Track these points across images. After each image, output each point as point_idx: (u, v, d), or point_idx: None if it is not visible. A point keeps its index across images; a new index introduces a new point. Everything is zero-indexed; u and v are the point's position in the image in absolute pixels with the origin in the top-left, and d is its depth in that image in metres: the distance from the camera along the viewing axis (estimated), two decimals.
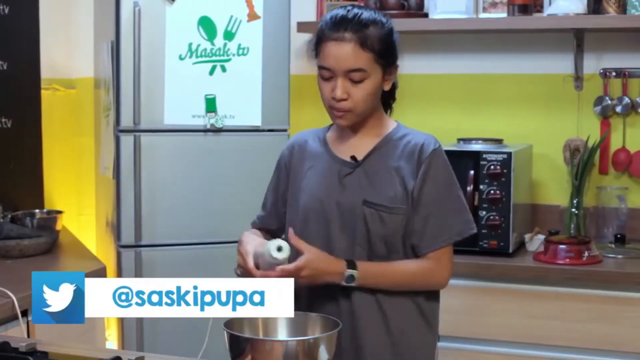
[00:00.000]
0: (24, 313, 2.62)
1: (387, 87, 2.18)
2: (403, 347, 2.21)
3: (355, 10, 2.11)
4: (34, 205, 3.75)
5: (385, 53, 2.11)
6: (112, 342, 3.55)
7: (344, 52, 2.07)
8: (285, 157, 2.33)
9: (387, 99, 2.28)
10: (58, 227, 3.54)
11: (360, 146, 2.21)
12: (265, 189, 2.40)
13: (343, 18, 2.09)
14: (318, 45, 2.13)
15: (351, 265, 2.11)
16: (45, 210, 3.77)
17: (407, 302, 2.21)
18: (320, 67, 2.13)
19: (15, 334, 2.47)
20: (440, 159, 2.17)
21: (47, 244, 3.30)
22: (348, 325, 2.14)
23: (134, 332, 3.35)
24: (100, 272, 3.14)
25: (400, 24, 3.73)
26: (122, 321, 3.37)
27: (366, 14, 2.11)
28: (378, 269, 2.15)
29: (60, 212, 3.65)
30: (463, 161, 3.40)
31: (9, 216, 3.50)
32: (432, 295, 2.26)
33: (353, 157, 2.19)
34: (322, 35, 2.11)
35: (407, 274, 2.17)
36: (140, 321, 3.34)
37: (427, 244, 2.16)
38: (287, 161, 2.32)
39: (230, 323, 1.87)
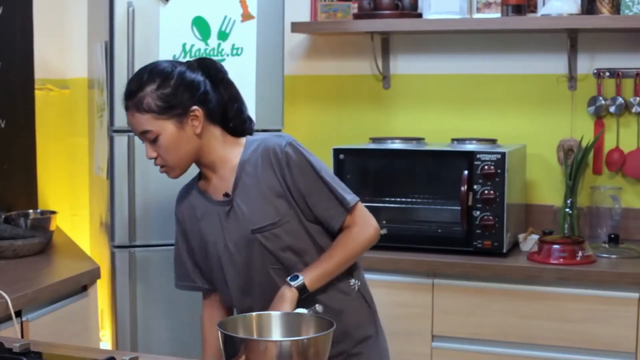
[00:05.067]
0: (18, 313, 2.62)
1: (197, 131, 2.26)
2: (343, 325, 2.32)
3: (137, 75, 2.28)
4: (28, 206, 3.75)
5: (166, 107, 2.22)
6: (106, 343, 3.55)
7: (130, 119, 2.27)
8: (179, 223, 2.47)
9: (238, 128, 2.36)
10: (52, 227, 3.54)
11: (225, 180, 2.32)
12: None
13: (126, 89, 2.28)
14: None
15: (294, 277, 2.22)
16: (39, 210, 3.76)
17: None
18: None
19: (9, 335, 2.47)
20: (294, 153, 2.27)
21: (40, 245, 3.30)
22: None
23: (128, 332, 3.35)
24: (94, 273, 3.14)
25: (394, 24, 3.78)
26: (116, 322, 3.37)
27: (136, 81, 2.25)
28: (319, 263, 2.26)
29: (54, 212, 3.65)
30: (457, 161, 3.40)
31: (3, 216, 3.50)
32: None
33: (226, 194, 2.31)
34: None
35: (341, 246, 2.28)
36: (134, 322, 3.34)
37: (336, 221, 2.28)
38: (182, 226, 2.46)
39: (224, 323, 1.87)
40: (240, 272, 2.31)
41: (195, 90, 2.26)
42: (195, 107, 2.25)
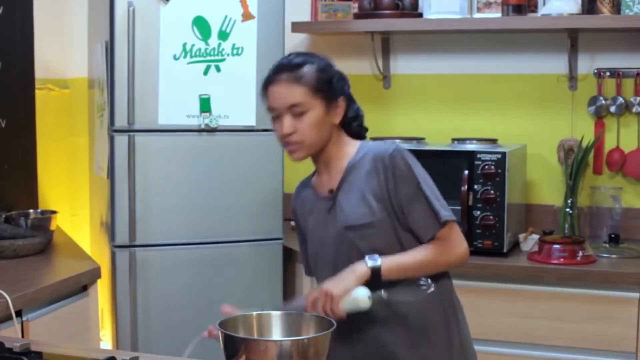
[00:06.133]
0: (18, 313, 2.62)
1: (336, 120, 2.34)
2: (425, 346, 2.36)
3: (292, 56, 2.36)
4: (28, 206, 3.75)
5: (321, 87, 2.30)
6: (106, 342, 3.55)
7: (282, 90, 2.30)
8: (295, 215, 2.53)
9: (356, 130, 2.44)
10: (52, 227, 3.54)
11: (333, 178, 2.39)
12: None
13: (280, 64, 2.34)
14: (264, 90, 2.36)
15: (373, 258, 2.24)
16: (39, 210, 3.77)
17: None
18: (268, 108, 2.35)
19: (10, 334, 2.47)
20: (399, 160, 2.31)
21: (41, 244, 3.30)
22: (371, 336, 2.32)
23: (128, 332, 3.35)
24: (95, 272, 3.14)
25: (394, 24, 3.78)
26: (116, 321, 3.37)
27: (300, 58, 2.34)
28: (401, 256, 2.28)
29: (54, 212, 3.65)
30: (457, 161, 3.40)
31: (3, 216, 3.50)
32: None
33: (330, 191, 2.38)
34: (265, 81, 2.35)
35: (427, 251, 2.29)
36: (134, 322, 3.34)
37: (427, 232, 2.30)
38: (297, 218, 2.52)
39: (224, 323, 1.87)
40: (329, 266, 2.34)
41: (346, 85, 2.38)
42: (343, 98, 2.35)
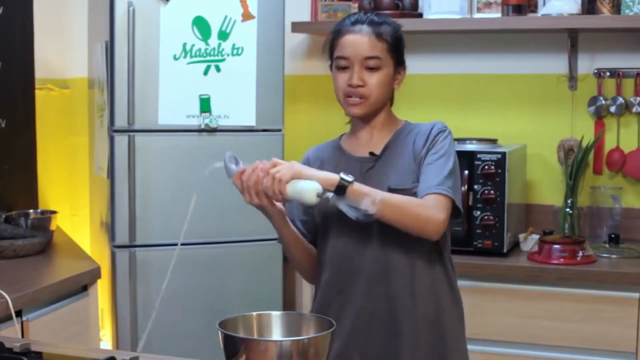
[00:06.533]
0: (18, 313, 2.62)
1: (396, 87, 2.37)
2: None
3: (369, 14, 2.35)
4: (28, 206, 3.75)
5: (397, 48, 2.31)
6: (106, 343, 3.55)
7: (362, 40, 2.27)
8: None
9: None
10: (52, 227, 3.54)
11: (375, 143, 2.36)
12: None
13: (357, 18, 2.32)
14: (336, 39, 2.31)
15: (348, 174, 2.17)
16: (39, 210, 3.77)
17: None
18: (338, 58, 2.29)
19: (10, 334, 2.47)
20: (446, 133, 2.32)
21: (41, 244, 3.30)
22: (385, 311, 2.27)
23: (128, 332, 3.35)
24: (95, 272, 3.14)
25: None
26: (116, 321, 3.37)
27: (379, 17, 2.33)
28: (376, 190, 2.19)
29: (54, 212, 3.65)
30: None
31: (3, 216, 3.50)
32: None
33: (371, 153, 2.34)
34: (340, 30, 2.31)
35: (404, 200, 2.20)
36: (134, 321, 3.34)
37: (422, 188, 2.24)
38: None
39: (224, 323, 1.87)
40: (360, 230, 2.26)
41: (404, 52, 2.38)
42: (405, 67, 2.36)
